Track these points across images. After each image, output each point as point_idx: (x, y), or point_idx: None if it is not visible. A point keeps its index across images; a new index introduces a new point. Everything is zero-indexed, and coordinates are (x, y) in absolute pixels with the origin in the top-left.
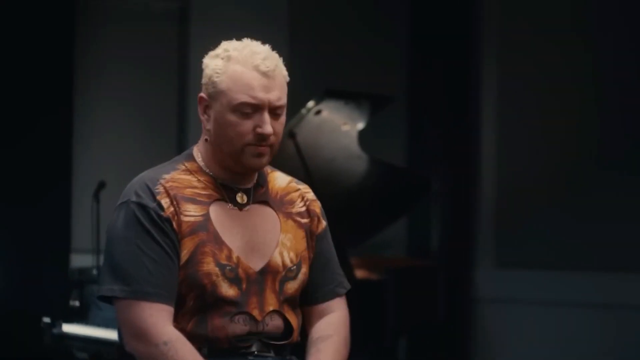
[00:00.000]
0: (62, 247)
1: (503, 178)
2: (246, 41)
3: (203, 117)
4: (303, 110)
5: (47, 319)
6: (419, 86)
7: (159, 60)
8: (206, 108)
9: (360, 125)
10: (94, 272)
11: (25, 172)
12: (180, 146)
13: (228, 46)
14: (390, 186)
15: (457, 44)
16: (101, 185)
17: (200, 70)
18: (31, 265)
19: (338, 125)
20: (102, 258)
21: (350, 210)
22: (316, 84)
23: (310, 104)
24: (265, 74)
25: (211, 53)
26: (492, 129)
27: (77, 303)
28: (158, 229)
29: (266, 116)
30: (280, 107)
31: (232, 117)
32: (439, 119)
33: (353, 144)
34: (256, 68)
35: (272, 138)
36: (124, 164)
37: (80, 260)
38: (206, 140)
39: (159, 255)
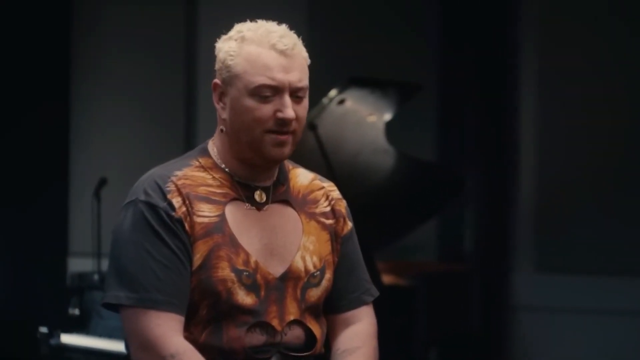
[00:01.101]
0: (59, 250)
1: (543, 174)
2: (261, 22)
3: (218, 106)
4: (324, 100)
5: (44, 329)
6: (451, 74)
7: (164, 45)
8: (221, 95)
9: (388, 117)
10: (95, 277)
11: (18, 169)
12: (188, 139)
13: (241, 27)
14: (419, 183)
15: (492, 28)
16: (102, 183)
17: (210, 56)
18: (25, 270)
19: (363, 117)
20: (103, 262)
21: (376, 210)
22: (339, 71)
23: (333, 92)
24: (283, 53)
25: (224, 36)
26: (531, 121)
27: (76, 311)
28: (168, 230)
29: (287, 99)
30: (301, 89)
31: (250, 102)
32: (473, 109)
33: (379, 137)
34: (273, 47)
35: (295, 124)
36: (126, 159)
37: (79, 264)
38: (222, 131)
39: (169, 260)
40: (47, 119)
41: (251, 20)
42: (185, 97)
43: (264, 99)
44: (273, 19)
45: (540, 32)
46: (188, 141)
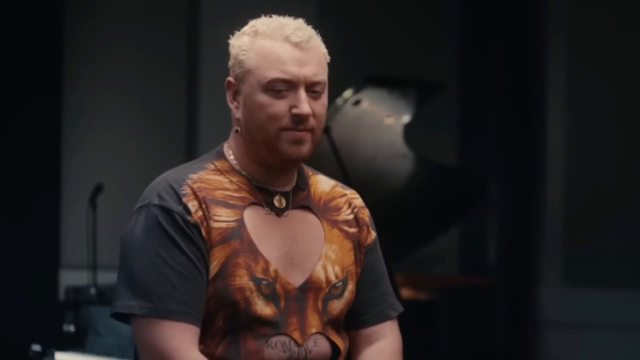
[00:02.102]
0: (50, 262)
1: (572, 180)
2: (275, 17)
3: (232, 105)
4: (339, 100)
5: (36, 347)
6: (474, 72)
7: (164, 41)
8: (235, 94)
9: (406, 119)
10: (92, 291)
11: (5, 175)
12: (189, 142)
13: (255, 22)
14: (440, 190)
15: (518, 23)
16: (98, 189)
17: (213, 54)
18: (15, 284)
19: (380, 118)
20: (100, 274)
21: (394, 218)
22: (354, 70)
23: (348, 93)
24: (297, 46)
25: (237, 32)
26: (559, 123)
27: (71, 328)
28: (184, 236)
29: (302, 94)
30: (318, 84)
31: (264, 98)
32: (497, 111)
33: (397, 140)
34: (287, 39)
35: (312, 121)
36: (123, 164)
37: (72, 277)
38: (237, 131)
39: (185, 267)
40: (37, 121)
41: (265, 15)
42: (187, 97)
43: (278, 94)
44: (279, 13)
45: (569, 28)
46: (190, 144)
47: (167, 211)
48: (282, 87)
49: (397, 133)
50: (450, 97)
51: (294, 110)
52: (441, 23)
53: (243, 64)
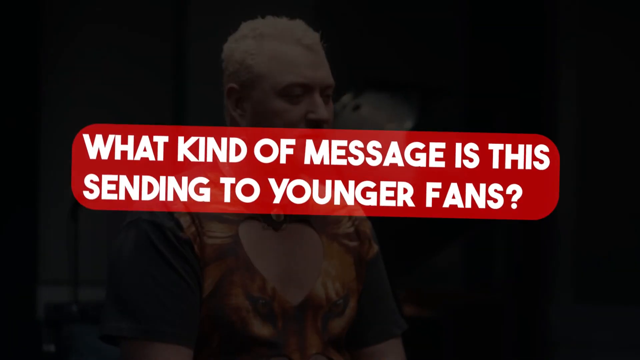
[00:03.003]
0: (28, 277)
1: (584, 190)
2: (271, 17)
3: (235, 113)
4: (337, 106)
5: None
6: (481, 76)
7: (149, 45)
8: (238, 101)
9: (409, 125)
10: (74, 308)
11: None
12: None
13: (254, 24)
14: None
15: (528, 22)
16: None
17: (202, 58)
18: None
19: (381, 124)
20: (81, 291)
21: (394, 230)
22: (353, 73)
23: (346, 97)
24: (309, 48)
25: (232, 37)
26: (571, 128)
27: (51, 348)
28: (176, 253)
29: (318, 98)
30: (330, 88)
31: (279, 104)
32: (507, 117)
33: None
34: (298, 42)
35: (326, 127)
36: None
37: (52, 293)
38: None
39: (177, 287)
40: (13, 127)
41: (262, 18)
42: (174, 104)
43: (294, 100)
44: (270, 12)
45: (581, 25)
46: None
47: (158, 226)
48: (298, 91)
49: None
50: (456, 103)
51: (311, 116)
52: (447, 23)
53: (252, 68)
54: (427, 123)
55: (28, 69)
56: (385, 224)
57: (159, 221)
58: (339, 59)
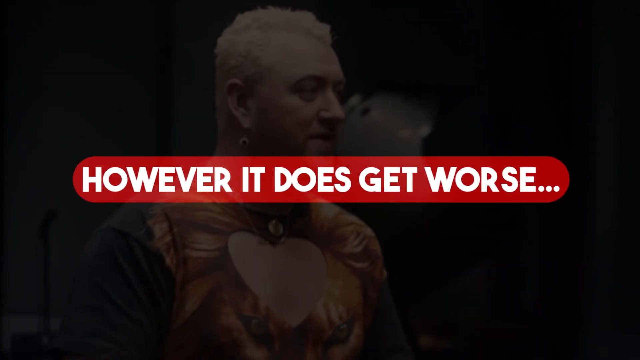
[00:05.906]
0: None
1: (624, 207)
2: (272, 8)
3: (237, 112)
4: (344, 109)
5: None
6: (506, 76)
7: (130, 43)
8: (241, 98)
9: (425, 131)
10: (44, 339)
11: None
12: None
13: (257, 15)
14: (466, 218)
15: (558, 18)
16: (50, 216)
17: (190, 57)
18: None
19: (393, 131)
20: (53, 320)
21: (410, 251)
22: (363, 73)
23: (354, 99)
24: (321, 39)
25: (229, 29)
26: (609, 136)
27: None
28: (136, 267)
29: (332, 95)
30: (341, 84)
31: (292, 100)
32: (534, 122)
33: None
34: (309, 33)
35: (338, 127)
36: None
37: (20, 323)
38: (244, 143)
39: (127, 303)
40: None
41: (262, 8)
42: (158, 106)
43: (307, 96)
44: (270, 4)
45: (619, 21)
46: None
47: (124, 236)
48: (313, 85)
49: (414, 148)
50: (478, 106)
51: (325, 114)
52: (467, 19)
53: (259, 61)
54: (446, 129)
55: None
56: (403, 244)
57: (126, 230)
58: (346, 55)
